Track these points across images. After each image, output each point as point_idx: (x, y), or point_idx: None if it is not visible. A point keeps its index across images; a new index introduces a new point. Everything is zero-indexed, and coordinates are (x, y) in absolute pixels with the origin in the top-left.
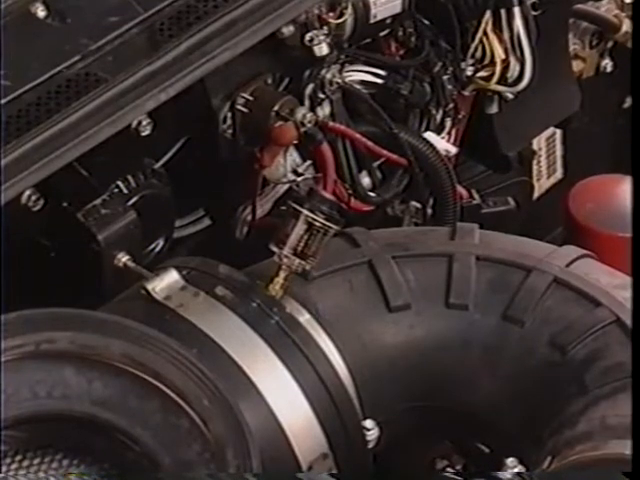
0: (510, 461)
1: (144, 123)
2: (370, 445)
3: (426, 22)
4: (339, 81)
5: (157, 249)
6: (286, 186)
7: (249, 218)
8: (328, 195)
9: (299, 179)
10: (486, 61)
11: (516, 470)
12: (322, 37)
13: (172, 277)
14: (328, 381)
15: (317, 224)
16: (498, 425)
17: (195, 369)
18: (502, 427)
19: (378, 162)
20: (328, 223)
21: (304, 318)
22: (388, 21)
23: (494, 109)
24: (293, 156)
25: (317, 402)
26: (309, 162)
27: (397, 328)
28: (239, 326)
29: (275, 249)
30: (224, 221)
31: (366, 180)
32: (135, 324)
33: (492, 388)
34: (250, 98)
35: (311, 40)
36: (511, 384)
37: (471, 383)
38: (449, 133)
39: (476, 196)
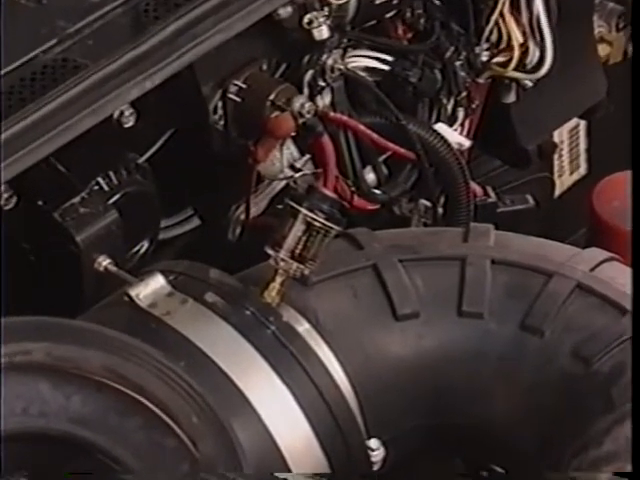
0: None
1: (127, 113)
2: (375, 467)
3: (436, 2)
4: (341, 67)
5: (141, 252)
6: (283, 183)
7: (242, 218)
8: (329, 192)
9: (297, 175)
10: (502, 45)
11: None
12: (322, 19)
13: (158, 282)
14: (329, 396)
15: (317, 224)
16: (514, 444)
17: (183, 383)
18: (519, 446)
19: (384, 156)
20: (329, 223)
21: (303, 327)
22: (395, 1)
23: (511, 98)
24: (290, 150)
25: (317, 419)
26: (308, 156)
27: (404, 338)
28: (231, 336)
29: (271, 252)
30: (215, 221)
31: (371, 176)
32: (117, 334)
33: (508, 403)
34: (243, 86)
35: (310, 22)
36: (529, 399)
37: (485, 398)
38: (462, 124)
39: (491, 193)
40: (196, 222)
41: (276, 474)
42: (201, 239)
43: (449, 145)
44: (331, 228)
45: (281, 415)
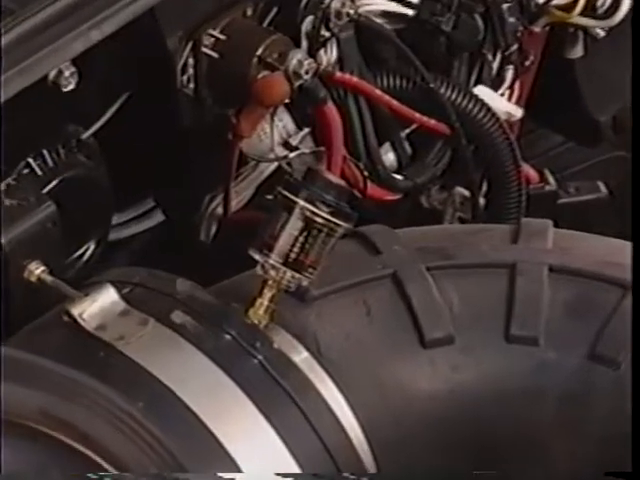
0: None
1: (67, 74)
2: None
3: None
4: (350, 12)
5: (86, 256)
6: (273, 166)
7: (219, 212)
8: (334, 178)
9: (292, 155)
10: None
11: None
12: None
13: (108, 297)
14: (333, 446)
15: (318, 220)
16: None
17: (140, 429)
18: None
19: (407, 131)
20: (334, 219)
21: (299, 356)
22: None
23: (578, 52)
24: (284, 122)
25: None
26: (306, 130)
27: (434, 371)
28: (205, 368)
29: (257, 256)
30: (183, 216)
31: (390, 157)
32: (56, 365)
33: (572, 457)
34: (222, 37)
35: None
36: (600, 451)
37: (542, 450)
38: (511, 88)
39: (551, 179)
40: (159, 218)
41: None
42: (165, 240)
43: (494, 115)
44: (337, 225)
45: (269, 470)
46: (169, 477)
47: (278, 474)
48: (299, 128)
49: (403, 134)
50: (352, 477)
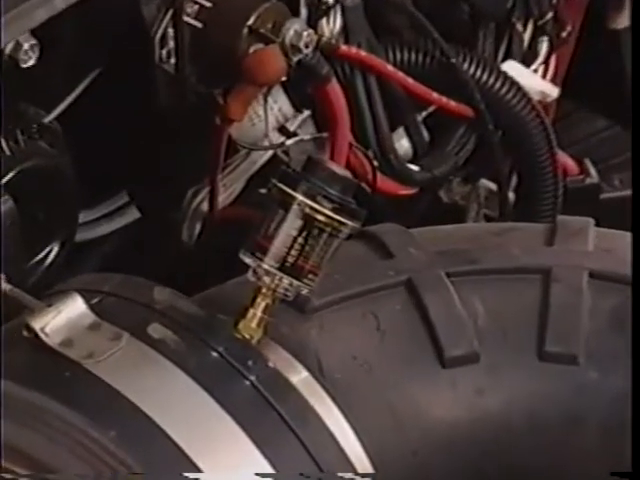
0: None
1: (26, 47)
2: None
3: None
4: None
5: (49, 260)
6: (267, 154)
7: (204, 208)
8: (339, 169)
9: (289, 142)
10: None
11: None
12: None
13: (75, 308)
14: None
15: (320, 218)
16: None
17: (113, 462)
18: None
19: (424, 114)
20: (338, 217)
21: (298, 377)
22: None
23: (623, 22)
24: (279, 104)
25: None
26: (306, 113)
27: (456, 394)
28: (189, 390)
29: (249, 260)
30: (162, 213)
31: (404, 144)
32: (14, 388)
33: None
34: (207, 4)
35: None
36: None
37: None
38: (546, 63)
39: (592, 170)
40: (133, 215)
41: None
42: (141, 241)
43: (525, 95)
44: (342, 224)
45: None
46: None
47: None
48: (297, 111)
49: (419, 117)
50: (339, 476)
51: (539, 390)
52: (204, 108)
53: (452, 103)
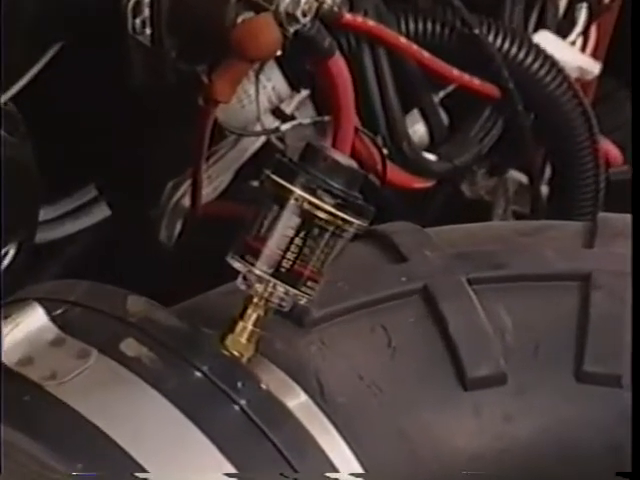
0: None
1: None
2: None
3: None
4: None
5: (5, 264)
6: (260, 141)
7: (186, 204)
8: (343, 158)
9: (285, 127)
10: None
11: None
12: None
13: (36, 320)
14: None
15: (321, 216)
16: None
17: None
18: None
19: (442, 94)
20: (342, 214)
21: (296, 401)
22: None
23: None
24: (273, 82)
25: None
26: (305, 93)
27: (480, 421)
28: (168, 416)
29: (238, 265)
30: (136, 210)
31: (419, 129)
32: None
33: None
34: None
35: None
36: None
37: None
38: (585, 34)
39: None
40: (103, 212)
41: None
42: (112, 242)
43: (561, 71)
44: (346, 222)
45: None
46: None
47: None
48: (294, 90)
49: (437, 98)
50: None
51: (576, 416)
52: (185, 87)
53: (475, 81)
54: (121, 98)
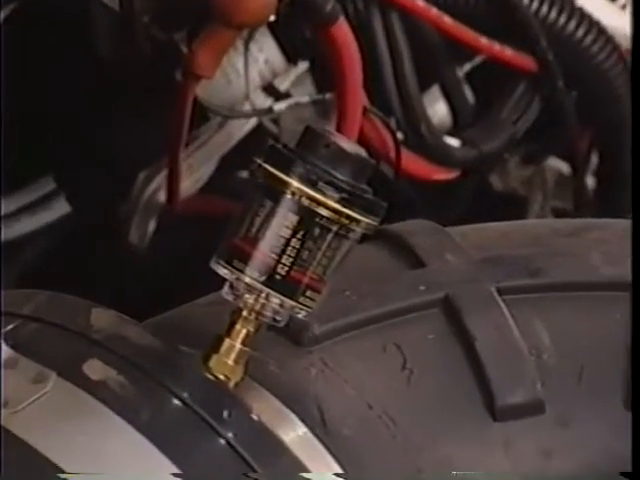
0: None
1: None
2: None
3: None
4: None
5: None
6: (250, 123)
7: (161, 199)
8: (348, 144)
9: (279, 106)
10: None
11: None
12: None
13: None
14: None
15: (323, 213)
16: None
17: None
18: None
19: (468, 66)
20: (348, 210)
21: (293, 434)
22: None
23: None
24: (265, 53)
25: None
26: (303, 66)
27: (513, 457)
28: (141, 452)
29: (225, 271)
30: (101, 206)
31: (440, 108)
32: None
33: None
34: None
35: None
36: None
37: None
38: None
39: None
40: (63, 208)
41: None
42: (74, 244)
43: (610, 40)
44: (353, 221)
45: None
46: None
47: None
48: (291, 63)
49: (461, 72)
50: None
51: (626, 450)
52: (161, 59)
53: (508, 51)
54: (84, 72)
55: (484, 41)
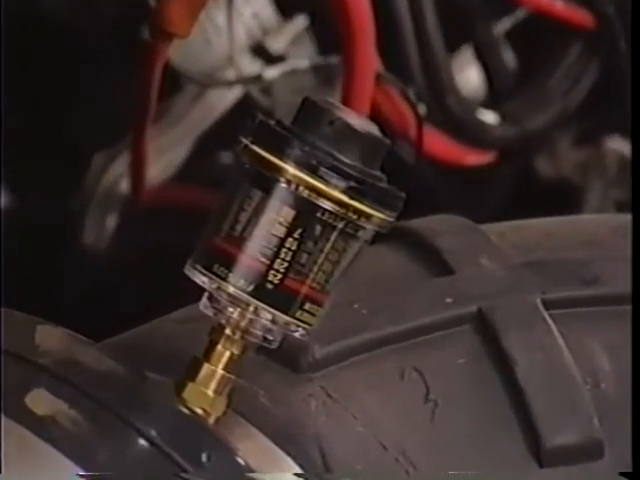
0: None
1: None
2: None
3: None
4: None
5: None
6: (233, 95)
7: (124, 188)
8: (358, 120)
9: (271, 73)
10: None
11: None
12: None
13: None
14: None
15: (325, 206)
16: None
17: None
18: None
19: (508, 23)
20: (356, 203)
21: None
22: None
23: None
24: (253, 6)
25: None
26: (300, 22)
27: None
28: None
29: (203, 279)
30: (49, 197)
31: (472, 76)
32: None
33: None
34: None
35: None
36: None
37: None
38: None
39: None
40: (2, 200)
41: None
42: (16, 245)
43: None
44: (363, 216)
45: None
46: None
47: None
48: (286, 18)
49: (499, 30)
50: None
51: None
52: (124, 15)
53: (557, 4)
54: (32, 30)
55: None
